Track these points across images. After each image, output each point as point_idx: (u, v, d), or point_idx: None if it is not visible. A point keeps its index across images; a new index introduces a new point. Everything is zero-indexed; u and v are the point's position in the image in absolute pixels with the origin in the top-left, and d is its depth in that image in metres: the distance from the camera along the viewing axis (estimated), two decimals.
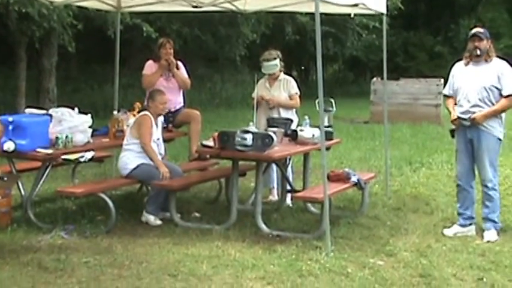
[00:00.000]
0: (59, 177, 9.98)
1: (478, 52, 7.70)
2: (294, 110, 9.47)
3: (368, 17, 25.71)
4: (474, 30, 7.85)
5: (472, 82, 7.71)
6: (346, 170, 8.68)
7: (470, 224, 7.88)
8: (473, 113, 7.63)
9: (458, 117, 7.77)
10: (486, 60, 7.73)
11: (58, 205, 8.90)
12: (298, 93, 9.43)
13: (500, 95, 7.63)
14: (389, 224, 8.31)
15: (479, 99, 7.63)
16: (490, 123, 7.66)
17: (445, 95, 8.16)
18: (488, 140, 7.68)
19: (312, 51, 27.59)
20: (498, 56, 7.86)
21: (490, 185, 7.75)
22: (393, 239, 7.59)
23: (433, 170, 12.15)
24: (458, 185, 8.02)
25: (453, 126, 7.92)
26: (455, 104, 7.88)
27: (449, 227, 7.95)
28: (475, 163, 7.85)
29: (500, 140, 7.79)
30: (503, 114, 7.81)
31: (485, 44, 7.71)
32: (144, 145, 8.20)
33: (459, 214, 7.97)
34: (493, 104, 7.63)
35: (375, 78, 21.78)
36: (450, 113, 7.99)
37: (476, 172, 7.91)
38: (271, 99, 9.25)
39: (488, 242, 7.52)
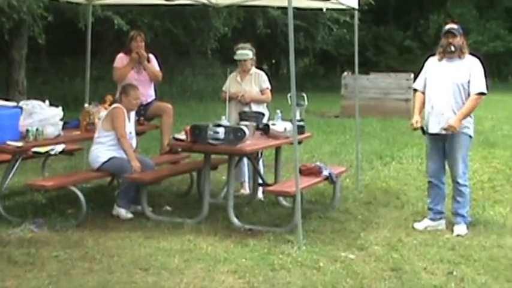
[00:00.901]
0: (28, 170, 9.90)
1: (452, 49, 7.73)
2: (265, 104, 9.47)
3: (339, 11, 25.76)
4: (448, 27, 7.87)
5: (444, 78, 7.73)
6: (318, 164, 8.70)
7: (440, 218, 7.93)
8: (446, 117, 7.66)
9: (431, 134, 7.84)
10: (460, 57, 7.75)
11: (28, 198, 8.83)
12: (270, 87, 9.43)
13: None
14: (360, 218, 8.34)
15: (450, 96, 7.65)
16: (462, 123, 7.67)
17: (414, 89, 8.20)
18: (460, 138, 7.72)
19: (283, 45, 27.68)
20: (471, 53, 7.88)
21: (461, 181, 7.79)
22: (364, 233, 7.62)
23: (403, 164, 12.22)
24: (429, 182, 8.05)
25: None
26: (424, 102, 7.92)
27: (419, 221, 8.00)
28: (445, 159, 7.89)
29: (471, 137, 7.86)
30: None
31: (458, 40, 7.73)
32: (121, 137, 8.16)
33: (429, 209, 8.02)
34: (463, 102, 7.65)
35: (345, 73, 21.85)
36: (414, 111, 8.06)
37: (447, 167, 7.95)
38: (244, 96, 9.23)
39: (458, 236, 7.58)
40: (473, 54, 7.90)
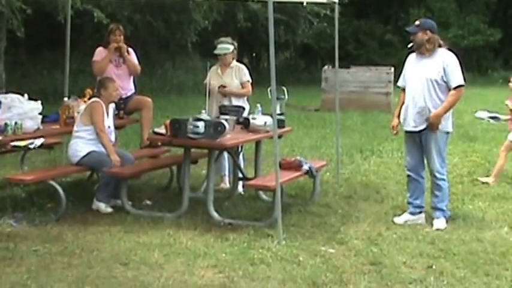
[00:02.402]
0: (7, 164, 9.86)
1: (414, 45, 7.81)
2: (246, 97, 9.47)
3: (319, 4, 25.78)
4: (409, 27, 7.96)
5: (417, 74, 7.78)
6: (298, 158, 8.70)
7: (420, 212, 7.96)
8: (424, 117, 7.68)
9: (407, 132, 7.90)
10: (428, 52, 7.75)
11: (7, 192, 8.78)
12: (250, 81, 9.43)
13: (448, 87, 7.67)
14: (340, 212, 8.36)
15: (424, 92, 7.67)
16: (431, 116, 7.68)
17: (397, 86, 8.23)
18: (437, 135, 7.74)
19: (264, 38, 27.61)
20: (449, 48, 7.88)
21: (438, 175, 7.82)
22: (344, 227, 7.64)
23: (383, 158, 12.25)
24: (408, 175, 8.08)
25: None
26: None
27: (399, 215, 8.03)
28: (423, 154, 7.91)
29: (448, 133, 7.87)
30: None
31: (420, 36, 7.74)
32: (100, 131, 8.13)
33: (409, 203, 8.05)
34: (438, 97, 7.66)
35: (326, 66, 21.85)
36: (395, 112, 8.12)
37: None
38: (223, 90, 9.22)
39: (437, 230, 7.61)
40: (450, 49, 7.90)
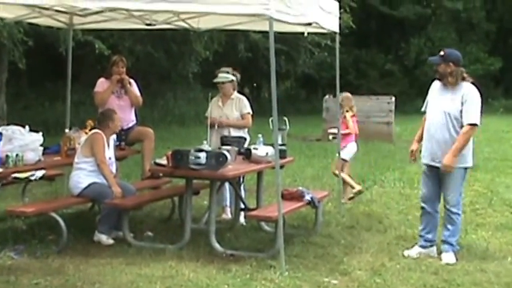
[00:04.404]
0: (8, 196, 9.82)
1: (437, 75, 7.71)
2: (246, 129, 9.45)
3: (320, 35, 25.84)
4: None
5: (437, 106, 7.63)
6: (300, 188, 8.67)
7: (431, 246, 7.80)
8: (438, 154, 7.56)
9: (425, 164, 7.76)
10: (451, 85, 7.57)
11: (8, 225, 8.74)
12: (251, 112, 9.42)
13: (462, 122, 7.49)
14: (343, 242, 8.31)
15: (441, 125, 7.52)
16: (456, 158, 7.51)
17: (422, 112, 7.99)
18: (455, 171, 7.55)
19: (265, 68, 27.69)
20: (473, 83, 7.65)
21: (454, 209, 7.63)
22: (347, 258, 7.59)
23: (385, 188, 12.23)
24: (422, 208, 7.90)
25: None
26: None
27: (408, 249, 7.88)
28: (440, 187, 7.74)
29: (466, 169, 7.67)
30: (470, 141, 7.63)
31: (443, 67, 7.56)
32: (101, 163, 8.11)
33: (420, 236, 7.89)
34: (456, 131, 7.48)
35: (327, 96, 21.89)
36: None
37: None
38: (221, 122, 9.23)
39: (447, 264, 7.45)
40: (474, 83, 7.67)
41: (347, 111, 10.92)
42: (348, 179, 10.75)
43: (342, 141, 10.55)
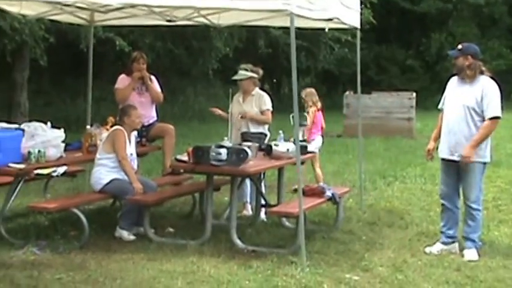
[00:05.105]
0: (31, 192, 9.87)
1: (455, 69, 7.68)
2: (266, 125, 9.43)
3: (340, 30, 25.77)
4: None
5: (455, 100, 7.60)
6: (321, 184, 8.67)
7: (453, 242, 7.76)
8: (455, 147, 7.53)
9: (443, 159, 7.73)
10: (469, 78, 7.55)
11: (30, 220, 8.80)
12: (271, 109, 9.39)
13: (482, 116, 7.45)
14: (364, 238, 8.29)
15: (460, 119, 7.48)
16: (475, 151, 7.47)
17: (438, 109, 8.00)
18: (474, 166, 7.53)
19: (285, 64, 27.67)
20: (491, 77, 7.62)
21: (474, 205, 7.59)
22: (368, 254, 7.57)
23: (407, 184, 12.18)
24: (442, 204, 7.86)
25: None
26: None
27: (430, 245, 7.84)
28: (459, 183, 7.71)
29: (485, 163, 7.62)
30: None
31: (461, 61, 7.55)
32: (122, 159, 8.13)
33: (442, 232, 7.85)
34: (475, 125, 7.45)
35: (347, 92, 21.83)
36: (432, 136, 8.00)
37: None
38: (245, 113, 9.22)
39: (469, 261, 7.40)
40: (492, 77, 7.64)
41: (310, 106, 10.90)
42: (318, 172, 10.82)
43: (309, 135, 10.58)
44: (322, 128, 11.33)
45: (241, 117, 9.21)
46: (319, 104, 11.25)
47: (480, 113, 7.46)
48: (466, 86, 7.58)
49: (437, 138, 7.87)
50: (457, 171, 7.66)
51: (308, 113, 10.85)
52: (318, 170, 11.12)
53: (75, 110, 20.47)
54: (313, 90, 11.35)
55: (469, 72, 7.55)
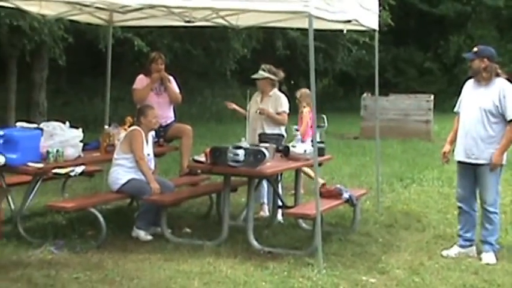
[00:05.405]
0: (49, 192, 9.90)
1: (470, 72, 7.66)
2: (283, 127, 9.41)
3: (358, 32, 25.73)
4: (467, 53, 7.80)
5: (471, 102, 7.59)
6: (338, 186, 8.65)
7: (470, 245, 7.73)
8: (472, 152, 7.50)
9: (459, 162, 7.71)
10: (485, 81, 7.53)
11: (48, 219, 8.84)
12: (287, 111, 9.36)
13: (503, 119, 7.42)
14: (381, 240, 8.28)
15: (477, 122, 7.46)
16: (493, 153, 7.46)
17: (454, 112, 7.97)
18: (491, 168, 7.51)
19: (302, 66, 27.63)
20: (507, 79, 7.59)
21: (491, 209, 7.56)
22: (385, 256, 7.55)
23: (424, 187, 12.14)
24: (459, 207, 7.84)
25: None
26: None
27: (447, 248, 7.81)
28: (476, 186, 7.68)
29: (502, 165, 7.59)
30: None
31: (477, 63, 7.54)
32: (139, 159, 8.16)
33: (459, 235, 7.83)
34: (492, 128, 7.43)
35: (365, 94, 21.79)
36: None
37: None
38: (262, 109, 9.22)
39: (487, 264, 7.37)
40: (508, 79, 7.61)
41: (304, 107, 10.71)
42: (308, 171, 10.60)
43: (304, 136, 10.44)
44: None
45: (260, 112, 9.20)
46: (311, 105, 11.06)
47: (497, 114, 7.44)
48: (482, 88, 7.57)
49: (453, 141, 7.86)
50: (473, 174, 7.64)
51: (302, 113, 10.66)
52: (306, 169, 10.83)
53: (93, 110, 20.54)
54: (307, 90, 11.01)
55: (485, 74, 7.53)
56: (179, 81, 10.00)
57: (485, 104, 7.46)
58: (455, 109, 7.92)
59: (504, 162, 7.62)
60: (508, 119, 7.40)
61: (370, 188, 11.09)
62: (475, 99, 7.56)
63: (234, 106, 9.70)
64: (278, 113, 9.32)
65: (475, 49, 7.69)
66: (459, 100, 7.88)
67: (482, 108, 7.46)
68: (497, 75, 7.59)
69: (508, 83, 7.56)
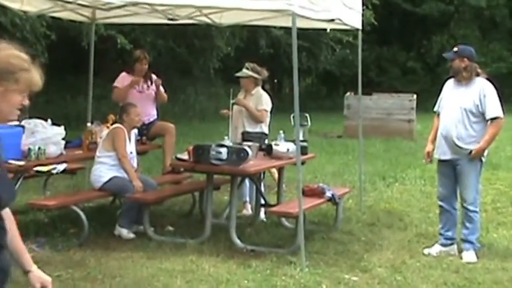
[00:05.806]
0: (30, 189, 9.86)
1: (451, 72, 7.70)
2: (265, 125, 9.38)
3: (342, 31, 25.76)
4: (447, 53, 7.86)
5: (451, 102, 7.63)
6: (321, 184, 8.67)
7: (451, 244, 7.77)
8: (457, 147, 7.53)
9: (440, 160, 7.76)
10: (465, 80, 7.59)
11: (30, 217, 8.78)
12: (267, 109, 9.34)
13: (483, 119, 7.49)
14: (363, 239, 8.30)
15: (457, 121, 7.51)
16: (474, 148, 7.51)
17: (434, 111, 8.04)
18: (472, 164, 7.56)
19: (286, 64, 27.63)
20: (487, 78, 7.67)
21: (471, 207, 7.61)
22: (368, 255, 7.57)
23: (406, 186, 12.18)
24: (440, 206, 7.88)
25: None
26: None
27: (429, 247, 7.84)
28: (457, 184, 7.73)
29: (482, 161, 7.66)
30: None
31: (457, 63, 7.60)
32: (122, 157, 8.14)
33: (440, 234, 7.87)
34: (472, 128, 7.49)
35: (348, 93, 21.81)
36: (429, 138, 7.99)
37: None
38: (239, 99, 9.21)
39: (468, 263, 7.41)
40: (488, 78, 7.68)
41: None
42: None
43: None
44: None
45: (234, 103, 9.18)
46: None
47: (478, 114, 7.50)
48: (462, 88, 7.62)
49: (434, 140, 7.89)
50: (454, 172, 7.69)
51: None
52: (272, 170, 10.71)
53: (76, 108, 20.45)
54: None
55: (465, 74, 7.59)
56: (162, 79, 9.97)
57: (465, 103, 7.51)
58: (435, 108, 7.97)
59: (484, 158, 7.67)
60: (488, 117, 7.46)
61: (353, 186, 11.10)
62: (455, 99, 7.61)
63: (230, 113, 9.63)
64: (258, 111, 9.30)
65: (455, 49, 7.75)
66: (439, 99, 7.94)
67: (463, 107, 7.51)
68: (478, 74, 7.65)
69: (488, 82, 7.62)
